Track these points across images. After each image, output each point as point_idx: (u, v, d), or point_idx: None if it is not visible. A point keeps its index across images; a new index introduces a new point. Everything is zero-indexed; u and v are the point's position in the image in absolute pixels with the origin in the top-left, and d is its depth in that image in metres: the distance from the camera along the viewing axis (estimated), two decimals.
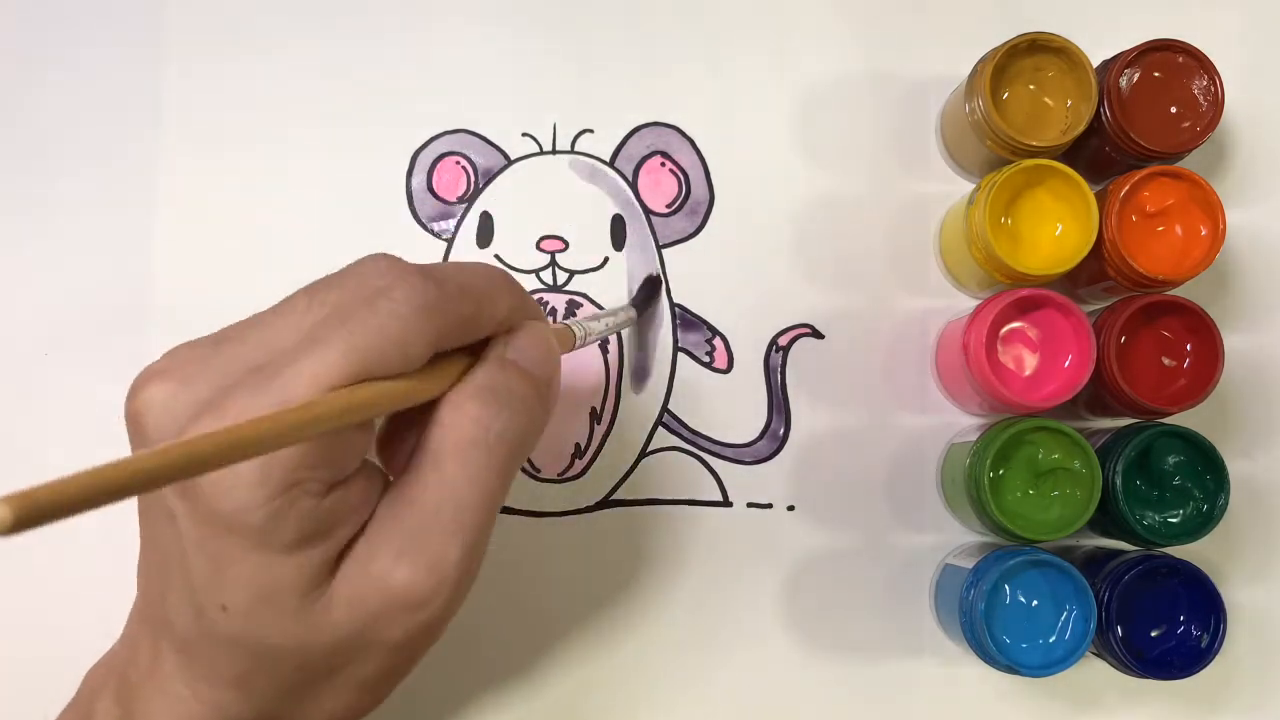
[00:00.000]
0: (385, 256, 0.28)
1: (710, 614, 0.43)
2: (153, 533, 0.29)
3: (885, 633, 0.43)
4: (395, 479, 0.29)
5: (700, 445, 0.44)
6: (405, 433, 0.29)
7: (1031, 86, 0.40)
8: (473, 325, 0.28)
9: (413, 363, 0.26)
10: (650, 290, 0.44)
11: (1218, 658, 0.37)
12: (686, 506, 0.43)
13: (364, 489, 0.28)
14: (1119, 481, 0.38)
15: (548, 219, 0.44)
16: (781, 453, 0.43)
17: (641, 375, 0.44)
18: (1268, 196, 0.44)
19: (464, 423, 0.28)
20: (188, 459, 0.20)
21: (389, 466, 0.30)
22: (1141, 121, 0.39)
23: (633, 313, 0.42)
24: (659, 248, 0.44)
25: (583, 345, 0.36)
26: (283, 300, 0.28)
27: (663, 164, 0.45)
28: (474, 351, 0.29)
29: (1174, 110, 0.39)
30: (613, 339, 0.44)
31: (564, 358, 0.44)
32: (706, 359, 0.44)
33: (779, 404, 0.44)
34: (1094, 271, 0.39)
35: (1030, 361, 0.39)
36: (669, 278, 0.44)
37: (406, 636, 0.28)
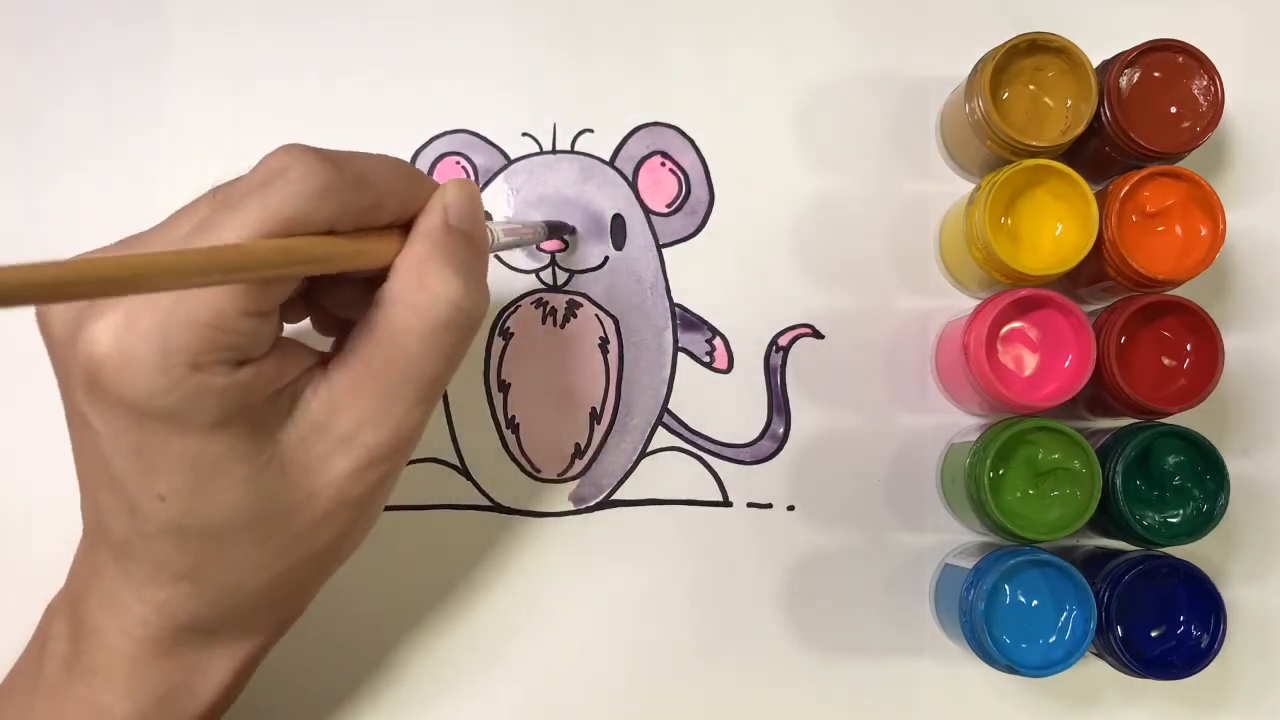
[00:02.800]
0: (289, 145, 0.28)
1: (710, 614, 0.43)
2: (78, 442, 0.29)
3: (885, 633, 0.43)
4: (354, 347, 0.29)
5: (700, 445, 0.44)
6: (344, 299, 0.30)
7: (1031, 86, 0.40)
8: (369, 214, 0.29)
9: None
10: (563, 230, 0.44)
11: (1218, 658, 0.37)
12: (686, 506, 0.43)
13: (279, 359, 0.28)
14: (1119, 481, 0.38)
15: (548, 219, 0.44)
16: (781, 453, 0.43)
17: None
18: (1268, 196, 0.44)
19: (431, 301, 0.28)
20: (91, 274, 0.19)
21: (325, 329, 0.31)
22: (1141, 121, 0.39)
23: (543, 229, 0.42)
24: (659, 248, 0.44)
25: (491, 249, 0.36)
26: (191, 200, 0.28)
27: (663, 164, 0.45)
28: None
29: (1174, 110, 0.39)
30: (613, 340, 0.44)
31: (561, 360, 0.44)
32: (706, 359, 0.44)
33: (779, 404, 0.44)
34: (1094, 271, 0.39)
35: (1030, 361, 0.39)
36: (669, 278, 0.44)
37: (370, 491, 0.30)
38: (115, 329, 0.25)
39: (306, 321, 0.33)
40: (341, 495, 0.29)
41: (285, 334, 0.30)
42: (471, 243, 0.30)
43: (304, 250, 0.26)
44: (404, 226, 0.30)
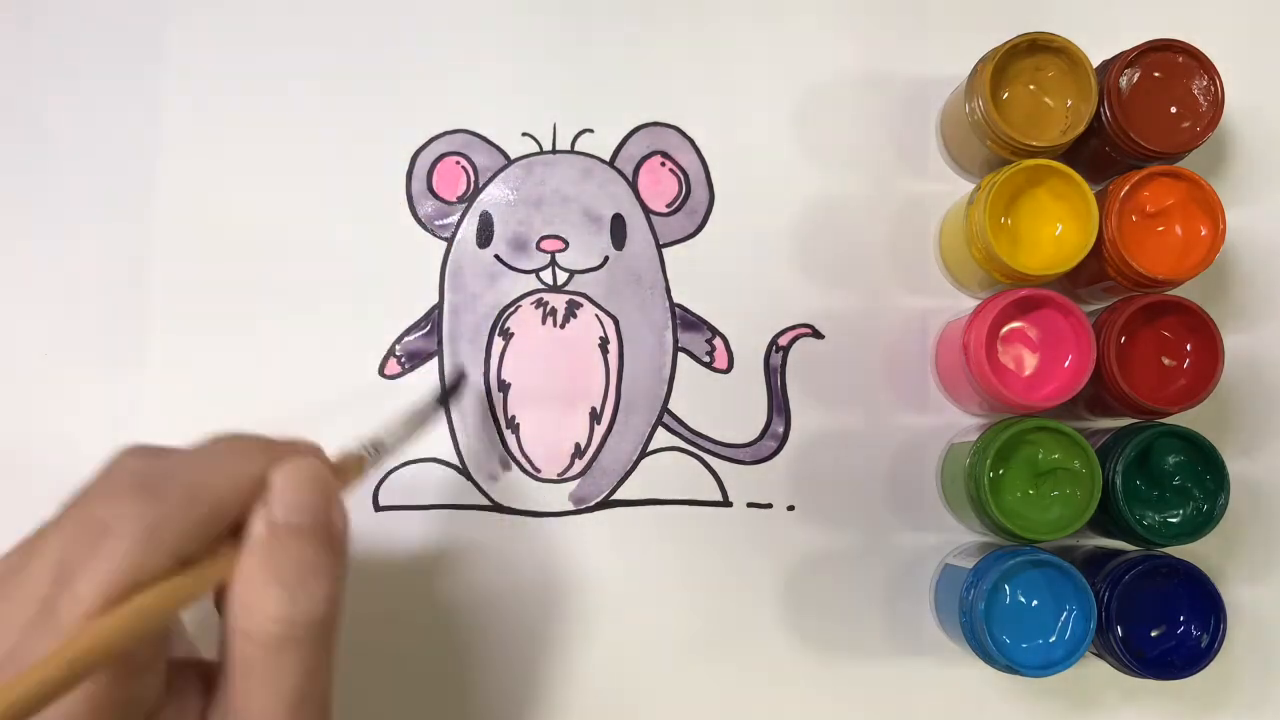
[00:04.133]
0: (109, 473, 0.27)
1: (710, 614, 0.43)
2: None
3: (885, 633, 0.43)
4: (221, 683, 0.27)
5: (700, 445, 0.44)
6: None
7: (1031, 86, 0.40)
8: (213, 522, 0.27)
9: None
10: (457, 382, 0.43)
11: (1218, 658, 0.37)
12: (686, 506, 0.43)
13: (180, 706, 0.27)
14: (1119, 481, 0.38)
15: (548, 219, 0.44)
16: (781, 453, 0.43)
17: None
18: (1268, 196, 0.44)
19: (260, 624, 0.26)
20: None
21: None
22: (1141, 121, 0.39)
23: (434, 407, 0.41)
24: (659, 247, 0.44)
25: (380, 458, 0.34)
26: (27, 541, 0.26)
27: (663, 164, 0.45)
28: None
29: (1174, 110, 0.39)
30: (613, 340, 0.44)
31: (561, 360, 0.44)
32: (706, 359, 0.44)
33: (779, 404, 0.44)
34: (1094, 271, 0.39)
35: (1030, 361, 0.39)
36: (669, 278, 0.44)
37: None
38: None
39: None
40: None
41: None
42: (302, 536, 0.28)
43: (148, 608, 0.25)
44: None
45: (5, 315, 0.44)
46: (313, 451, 0.30)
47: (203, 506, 0.27)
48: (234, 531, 0.28)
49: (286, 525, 0.28)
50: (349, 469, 0.32)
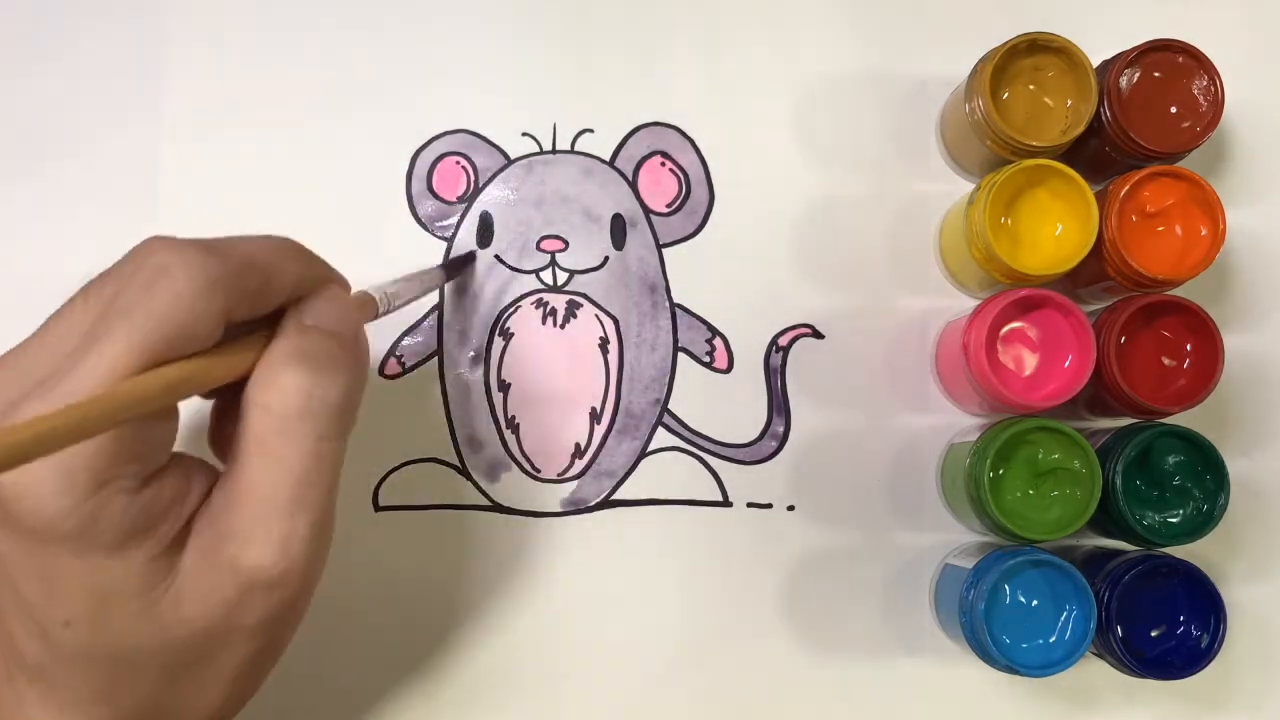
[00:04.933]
0: (161, 238, 0.27)
1: (710, 614, 0.43)
2: None
3: (885, 633, 0.43)
4: (227, 464, 0.28)
5: (700, 445, 0.44)
6: (229, 416, 0.29)
7: (1031, 86, 0.40)
8: (262, 297, 0.28)
9: (204, 341, 0.26)
10: (466, 259, 0.44)
11: (1218, 658, 0.37)
12: (686, 506, 0.43)
13: (182, 480, 0.28)
14: (1119, 481, 0.38)
15: (548, 219, 0.44)
16: (781, 453, 0.43)
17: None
18: (1268, 196, 0.44)
19: (280, 396, 0.27)
20: None
21: (221, 453, 0.29)
22: (1141, 121, 0.39)
23: (441, 274, 0.41)
24: (659, 247, 0.44)
25: (390, 310, 0.35)
26: (63, 304, 0.27)
27: (663, 164, 0.45)
28: (272, 325, 0.29)
29: (1174, 110, 0.39)
30: (613, 340, 0.44)
31: (561, 360, 0.44)
32: (706, 359, 0.44)
33: (779, 404, 0.44)
34: (1094, 271, 0.39)
35: (1030, 361, 0.39)
36: (669, 278, 0.44)
37: (267, 618, 0.28)
38: None
39: None
40: (236, 624, 0.28)
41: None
42: (328, 335, 0.29)
43: (182, 377, 0.25)
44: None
45: (5, 315, 0.44)
46: (341, 282, 0.32)
47: (258, 275, 0.28)
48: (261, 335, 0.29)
49: (315, 326, 0.29)
50: (365, 307, 0.34)
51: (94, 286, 0.27)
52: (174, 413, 0.27)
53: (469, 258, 0.44)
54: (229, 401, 0.29)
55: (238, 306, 0.27)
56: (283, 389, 0.27)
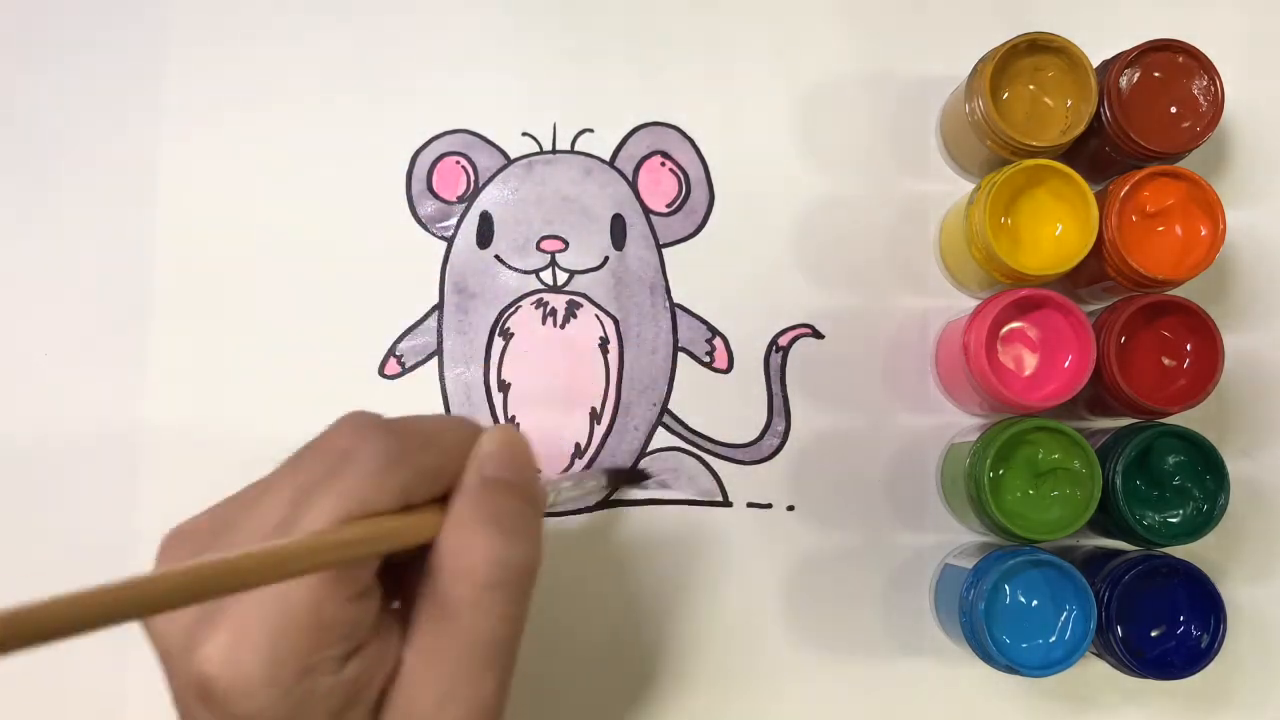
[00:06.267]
0: (352, 416, 0.28)
1: (710, 614, 0.43)
2: None
3: (885, 633, 0.43)
4: (418, 624, 0.28)
5: (700, 445, 0.44)
6: (413, 575, 0.29)
7: (1031, 86, 0.40)
8: (441, 475, 0.28)
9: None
10: (633, 478, 0.43)
11: (1218, 658, 0.37)
12: (686, 506, 0.43)
13: (381, 647, 0.28)
14: (1119, 481, 0.38)
15: (548, 219, 0.44)
16: (781, 453, 0.43)
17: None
18: (1268, 196, 0.44)
19: (471, 566, 0.27)
20: (188, 583, 0.20)
21: (394, 592, 0.30)
22: (1141, 121, 0.39)
23: (604, 481, 0.41)
24: (659, 247, 0.44)
25: (552, 506, 0.35)
26: (267, 476, 0.28)
27: (663, 164, 0.45)
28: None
29: (1174, 110, 0.39)
30: (613, 340, 0.44)
31: (561, 360, 0.44)
32: (706, 359, 0.44)
33: (779, 404, 0.44)
34: (1094, 271, 0.39)
35: (1030, 361, 0.39)
36: (669, 278, 0.44)
37: None
38: (225, 649, 0.25)
39: None
40: None
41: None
42: (513, 490, 0.29)
43: (371, 532, 0.26)
44: None
45: (5, 315, 0.44)
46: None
47: (436, 452, 0.28)
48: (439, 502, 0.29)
49: (497, 479, 0.29)
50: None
51: (291, 463, 0.28)
52: (374, 591, 0.28)
53: (638, 475, 0.43)
54: (408, 559, 0.29)
55: (415, 487, 0.27)
56: (475, 556, 0.28)
